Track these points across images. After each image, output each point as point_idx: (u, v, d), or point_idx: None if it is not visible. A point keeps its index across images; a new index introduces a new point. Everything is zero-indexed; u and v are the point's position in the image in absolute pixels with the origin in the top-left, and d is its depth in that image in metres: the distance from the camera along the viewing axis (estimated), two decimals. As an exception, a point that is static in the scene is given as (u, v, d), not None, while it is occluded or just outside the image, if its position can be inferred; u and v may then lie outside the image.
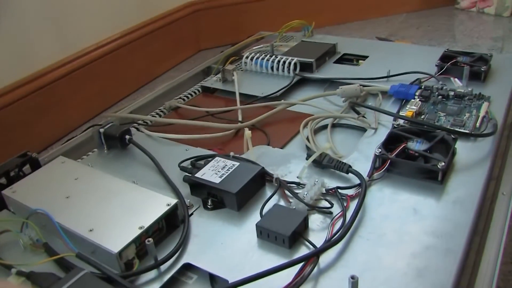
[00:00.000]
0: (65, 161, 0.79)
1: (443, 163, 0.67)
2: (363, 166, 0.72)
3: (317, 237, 0.61)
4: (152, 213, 0.63)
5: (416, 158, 0.71)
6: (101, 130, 0.86)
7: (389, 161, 0.70)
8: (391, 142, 0.74)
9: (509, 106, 0.91)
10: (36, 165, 0.80)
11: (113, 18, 1.29)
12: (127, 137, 0.84)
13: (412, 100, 0.89)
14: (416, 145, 0.73)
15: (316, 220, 0.64)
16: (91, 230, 0.62)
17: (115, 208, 0.66)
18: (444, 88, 0.91)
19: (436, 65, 1.00)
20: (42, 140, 1.12)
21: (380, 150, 0.71)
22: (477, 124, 0.81)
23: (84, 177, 0.74)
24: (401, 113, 0.86)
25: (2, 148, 0.96)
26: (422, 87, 0.92)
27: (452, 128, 0.80)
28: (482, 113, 0.83)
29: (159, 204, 0.65)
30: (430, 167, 0.68)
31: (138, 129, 0.93)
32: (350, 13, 1.77)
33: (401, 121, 0.81)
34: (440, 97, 0.89)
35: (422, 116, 0.85)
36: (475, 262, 0.61)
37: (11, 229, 0.66)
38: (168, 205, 0.64)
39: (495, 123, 0.80)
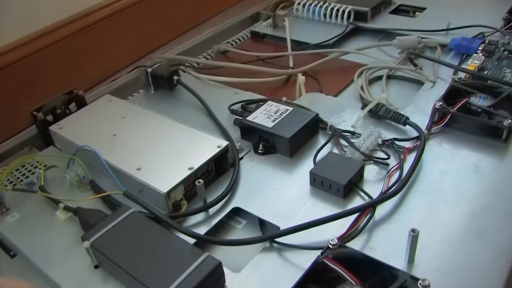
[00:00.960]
0: (112, 99, 0.78)
1: (510, 121, 0.63)
2: (421, 119, 0.68)
3: (373, 188, 0.58)
4: (202, 155, 0.61)
5: (478, 114, 0.67)
6: (149, 70, 0.84)
7: (449, 115, 0.67)
8: (451, 96, 0.70)
9: None
10: (82, 103, 0.79)
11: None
12: (176, 77, 0.82)
13: (475, 54, 0.84)
14: (480, 101, 0.69)
15: (371, 171, 0.61)
16: (139, 169, 0.61)
17: (164, 148, 0.64)
18: (511, 43, 0.85)
19: (503, 19, 0.94)
20: (87, 80, 1.11)
21: (440, 103, 0.68)
22: (545, 82, 0.76)
23: (132, 116, 0.72)
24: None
25: (48, 88, 0.95)
26: (486, 41, 0.87)
27: (520, 84, 0.75)
28: (553, 70, 0.78)
29: (209, 145, 0.63)
30: (496, 124, 0.64)
31: (185, 72, 0.91)
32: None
33: (462, 76, 0.77)
34: (506, 52, 0.84)
35: (485, 72, 0.80)
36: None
37: (59, 165, 0.66)
38: (219, 147, 0.62)
39: None
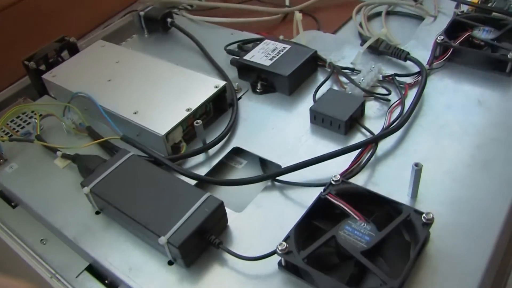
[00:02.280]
0: (105, 45, 0.76)
1: (513, 53, 0.61)
2: (422, 54, 0.67)
3: (374, 124, 0.57)
4: (199, 95, 0.60)
5: (481, 47, 0.66)
6: (141, 13, 0.82)
7: (451, 49, 0.65)
8: (453, 30, 0.68)
9: None
10: (74, 50, 0.77)
11: None
12: (169, 20, 0.80)
13: (478, -14, 0.82)
14: (483, 34, 0.67)
15: (372, 107, 0.60)
16: (135, 113, 0.60)
17: (160, 91, 0.63)
18: (515, -26, 0.83)
19: (504, -50, 0.90)
20: (79, 28, 1.08)
21: (442, 37, 0.66)
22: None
23: (126, 60, 0.71)
24: (464, 0, 0.79)
25: (38, 36, 0.93)
26: (490, -28, 0.84)
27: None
28: None
29: (206, 86, 0.61)
30: (499, 57, 0.63)
31: (178, 14, 0.88)
32: None
33: (464, 9, 0.75)
34: (509, -16, 0.82)
35: (490, 4, 0.78)
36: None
37: (54, 113, 0.64)
38: (216, 87, 0.61)
39: None
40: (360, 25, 0.78)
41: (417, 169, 0.47)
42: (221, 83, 0.61)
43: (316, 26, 0.81)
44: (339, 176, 0.47)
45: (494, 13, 0.71)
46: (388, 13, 0.84)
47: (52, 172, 0.59)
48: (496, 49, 0.65)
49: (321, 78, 0.66)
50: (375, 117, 0.59)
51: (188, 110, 0.58)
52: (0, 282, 0.33)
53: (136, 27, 0.85)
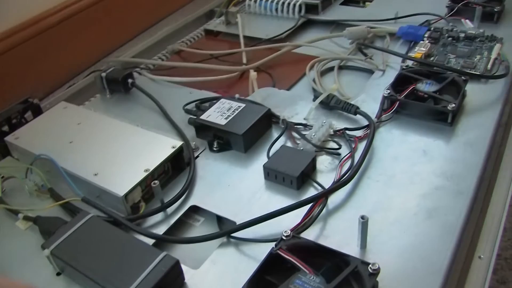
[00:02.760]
0: (67, 106, 0.78)
1: (453, 105, 0.65)
2: (371, 107, 0.70)
3: (326, 178, 0.60)
4: (157, 156, 0.62)
5: (425, 99, 0.70)
6: (103, 74, 0.84)
7: (398, 102, 0.69)
8: (399, 83, 0.72)
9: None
10: (38, 112, 0.78)
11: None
12: (130, 80, 0.83)
13: (421, 42, 0.87)
14: (426, 87, 0.71)
15: (324, 162, 0.63)
16: (96, 174, 0.61)
17: (120, 152, 0.65)
18: (454, 29, 0.88)
19: (446, 6, 0.96)
20: (43, 87, 1.10)
21: (389, 91, 0.70)
22: (489, 66, 0.79)
23: (87, 122, 0.72)
24: (410, 54, 0.84)
25: (2, 97, 0.94)
26: (432, 28, 0.90)
27: (462, 70, 0.77)
28: (494, 55, 0.80)
29: (164, 146, 0.64)
30: (440, 109, 0.67)
31: (140, 74, 0.91)
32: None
33: (409, 63, 0.79)
34: (450, 39, 0.87)
35: (432, 58, 0.82)
36: (483, 203, 0.60)
37: (16, 176, 0.66)
38: (174, 147, 0.63)
39: (507, 65, 0.77)
40: (314, 80, 0.82)
41: (363, 222, 0.49)
42: (178, 143, 0.63)
43: (271, 83, 0.84)
44: (289, 232, 0.49)
45: (435, 67, 0.76)
46: (341, 68, 0.88)
47: (13, 235, 0.59)
48: (438, 101, 0.69)
49: (275, 134, 0.68)
50: (326, 171, 0.61)
51: (146, 170, 0.60)
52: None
53: (99, 87, 0.87)
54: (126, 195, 0.58)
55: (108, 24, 1.24)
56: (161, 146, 0.64)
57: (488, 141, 0.64)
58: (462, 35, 0.87)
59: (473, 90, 0.73)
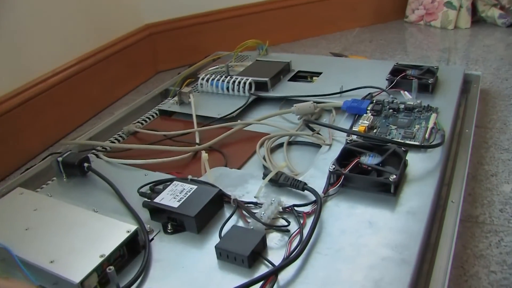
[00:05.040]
0: (24, 192, 0.79)
1: (394, 176, 0.70)
2: (320, 182, 0.74)
3: (276, 255, 0.62)
4: (112, 241, 0.63)
5: (369, 172, 0.74)
6: (59, 159, 0.86)
7: (343, 176, 0.73)
8: (345, 157, 0.76)
9: (456, 116, 0.95)
10: (-6, 198, 0.79)
11: (68, 44, 1.29)
12: (86, 164, 0.84)
13: (365, 114, 0.92)
14: (369, 159, 0.76)
15: (274, 239, 0.65)
16: (52, 262, 0.62)
17: (76, 238, 0.66)
18: (394, 101, 0.94)
19: (386, 79, 1.03)
20: (2, 170, 1.10)
21: (334, 166, 0.74)
22: (426, 135, 0.84)
23: (43, 208, 0.74)
24: (354, 128, 0.89)
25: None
26: (374, 101, 0.95)
27: (402, 141, 0.83)
28: (430, 124, 0.86)
29: (119, 231, 0.65)
30: (383, 180, 0.71)
31: (97, 156, 0.93)
32: (304, 29, 1.81)
33: (354, 136, 0.84)
34: (391, 110, 0.92)
35: (375, 130, 0.88)
36: (428, 270, 0.63)
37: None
38: (128, 231, 0.65)
39: (443, 134, 0.83)
40: (264, 158, 0.85)
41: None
42: (133, 227, 0.65)
43: (223, 162, 0.87)
44: (242, 312, 0.51)
45: (377, 140, 0.81)
46: (290, 143, 0.92)
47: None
48: (381, 173, 0.73)
49: (227, 214, 0.71)
50: (276, 248, 0.64)
51: (102, 256, 0.61)
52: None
53: (55, 172, 0.88)
54: (82, 281, 0.59)
55: (66, 106, 1.27)
56: (116, 231, 0.65)
57: (429, 209, 0.68)
58: (402, 106, 0.93)
59: (413, 159, 0.78)
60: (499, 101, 1.15)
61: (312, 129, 0.92)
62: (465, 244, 0.73)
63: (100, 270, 0.61)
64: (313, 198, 0.71)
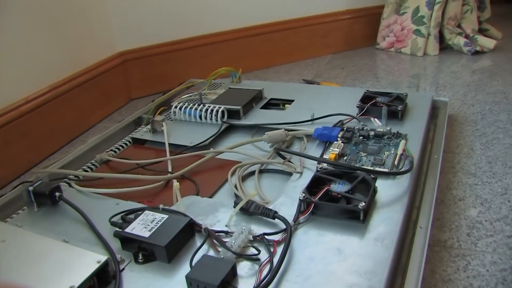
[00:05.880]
0: (-7, 223, 0.78)
1: (363, 203, 0.71)
2: (290, 210, 0.75)
3: (246, 284, 0.62)
4: (82, 272, 0.63)
5: (339, 199, 0.75)
6: (30, 188, 0.85)
7: (312, 204, 0.74)
8: (315, 185, 0.78)
9: (425, 142, 0.97)
10: (-38, 229, 0.78)
11: (39, 72, 1.29)
12: (57, 194, 0.84)
13: (335, 142, 0.93)
14: (339, 187, 0.77)
15: (244, 267, 0.65)
16: (20, 294, 0.62)
17: (45, 269, 0.65)
18: (365, 128, 0.96)
19: (357, 106, 1.05)
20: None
21: (304, 194, 0.74)
22: (396, 162, 0.86)
23: (12, 239, 0.73)
24: (324, 155, 0.90)
25: None
26: (344, 128, 0.97)
27: (371, 168, 0.84)
28: (399, 151, 0.88)
29: (89, 261, 0.65)
30: (352, 208, 0.72)
31: (69, 184, 0.93)
32: (277, 56, 1.83)
33: (325, 164, 0.85)
34: (361, 137, 0.94)
35: (345, 158, 0.89)
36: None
37: None
38: (98, 262, 0.64)
39: (411, 160, 0.85)
40: (235, 186, 0.86)
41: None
42: (103, 258, 0.65)
43: (195, 191, 0.87)
44: None
45: (346, 168, 0.82)
46: (261, 171, 0.93)
47: None
48: (350, 200, 0.74)
49: (198, 243, 0.71)
50: (247, 277, 0.64)
51: (71, 287, 0.61)
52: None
53: (26, 201, 0.87)
54: (51, 314, 0.58)
55: (38, 134, 1.26)
56: (86, 261, 0.65)
57: (397, 236, 0.69)
58: (372, 133, 0.95)
59: (383, 186, 0.79)
60: (466, 126, 1.19)
61: (283, 157, 0.93)
62: (433, 269, 0.75)
63: (70, 302, 0.61)
64: (283, 226, 0.71)
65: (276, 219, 0.73)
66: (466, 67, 1.63)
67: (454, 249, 0.79)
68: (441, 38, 1.80)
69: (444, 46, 1.82)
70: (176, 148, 1.04)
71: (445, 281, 0.72)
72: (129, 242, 0.70)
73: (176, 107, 1.16)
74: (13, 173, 1.19)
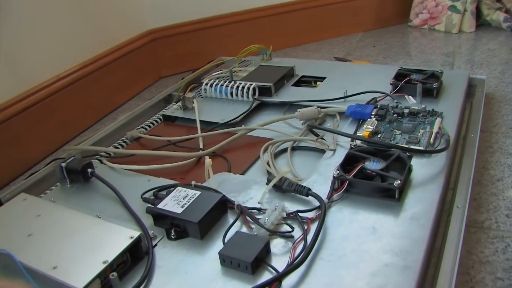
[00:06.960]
0: (27, 198, 0.79)
1: (399, 181, 0.69)
2: (323, 188, 0.73)
3: (280, 261, 0.62)
4: (115, 247, 0.63)
5: (373, 177, 0.73)
6: (63, 164, 0.86)
7: (347, 182, 0.72)
8: (349, 162, 0.76)
9: (461, 120, 0.94)
10: (-2, 203, 0.79)
11: (70, 50, 1.29)
12: (89, 170, 0.84)
13: (369, 119, 0.91)
14: (373, 165, 0.75)
15: (278, 245, 0.65)
16: (54, 268, 0.62)
17: (78, 244, 0.66)
18: (399, 106, 0.94)
19: (390, 84, 1.03)
20: (3, 177, 1.10)
21: (338, 171, 0.73)
22: (431, 140, 0.84)
23: (46, 214, 0.73)
24: (358, 133, 0.88)
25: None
26: (378, 106, 0.95)
27: (406, 146, 0.82)
28: (435, 129, 0.86)
29: (122, 237, 0.65)
30: (387, 186, 0.70)
31: (101, 161, 0.93)
32: (307, 34, 1.81)
33: (358, 141, 0.83)
34: (395, 115, 0.92)
35: (379, 135, 0.87)
36: (434, 275, 0.63)
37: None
38: (131, 237, 0.64)
39: (447, 139, 0.83)
40: (268, 163, 0.85)
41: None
42: (136, 233, 0.65)
43: (227, 167, 0.87)
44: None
45: (381, 145, 0.80)
46: (294, 149, 0.92)
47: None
48: (385, 178, 0.72)
49: (231, 219, 0.70)
50: (280, 254, 0.63)
51: (105, 262, 0.61)
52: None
53: (59, 177, 0.88)
54: (85, 287, 0.58)
55: (69, 112, 1.27)
56: (119, 237, 0.65)
57: (433, 215, 0.68)
58: (406, 111, 0.92)
59: (418, 164, 0.78)
60: (504, 105, 1.15)
61: (316, 134, 0.92)
62: (470, 250, 0.73)
63: (103, 276, 0.61)
64: (317, 203, 0.70)
65: (310, 196, 0.72)
66: (505, 44, 1.57)
67: (492, 230, 0.76)
68: (478, 14, 1.74)
69: (480, 23, 1.76)
70: (207, 125, 1.03)
71: (482, 262, 0.70)
72: (161, 218, 0.70)
73: (207, 84, 1.15)
74: (44, 151, 1.21)
